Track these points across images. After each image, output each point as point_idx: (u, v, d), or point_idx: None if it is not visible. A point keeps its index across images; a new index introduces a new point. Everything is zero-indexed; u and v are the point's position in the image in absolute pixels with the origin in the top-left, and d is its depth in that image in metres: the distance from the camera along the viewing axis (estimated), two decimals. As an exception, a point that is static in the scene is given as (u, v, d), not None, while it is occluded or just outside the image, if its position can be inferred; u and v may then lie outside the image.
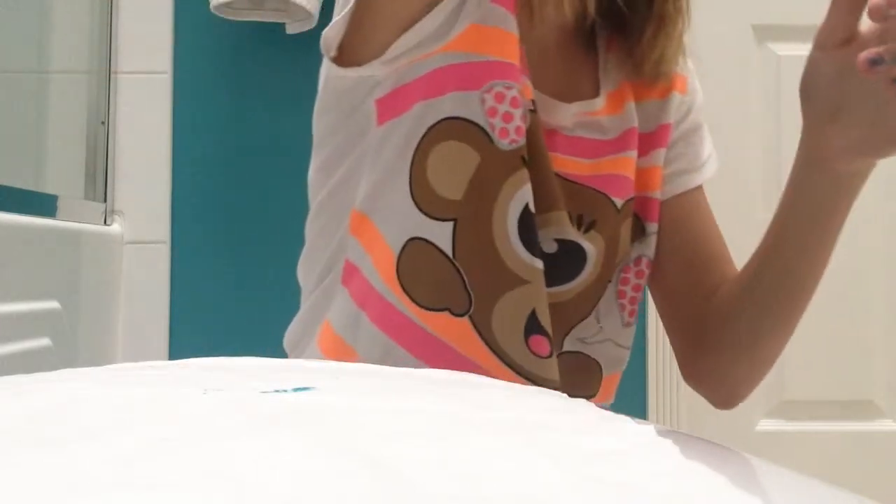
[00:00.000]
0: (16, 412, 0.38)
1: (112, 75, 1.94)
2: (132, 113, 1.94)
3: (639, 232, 0.92)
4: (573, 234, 0.85)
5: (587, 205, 0.86)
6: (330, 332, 0.85)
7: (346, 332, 0.83)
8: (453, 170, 0.80)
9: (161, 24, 1.95)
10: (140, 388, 0.45)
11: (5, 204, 1.40)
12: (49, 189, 1.77)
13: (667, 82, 0.91)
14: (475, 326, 0.81)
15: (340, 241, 0.85)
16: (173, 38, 1.96)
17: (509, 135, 0.80)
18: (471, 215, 0.80)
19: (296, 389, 0.42)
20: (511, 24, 0.81)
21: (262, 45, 1.96)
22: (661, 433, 0.43)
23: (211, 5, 1.86)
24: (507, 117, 0.79)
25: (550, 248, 0.84)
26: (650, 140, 0.91)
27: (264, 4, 1.89)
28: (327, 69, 0.85)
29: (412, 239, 0.80)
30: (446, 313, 0.80)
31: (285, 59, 1.95)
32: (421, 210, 0.80)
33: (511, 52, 0.81)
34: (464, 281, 0.80)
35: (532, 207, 0.80)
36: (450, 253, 0.80)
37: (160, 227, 1.93)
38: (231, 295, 1.94)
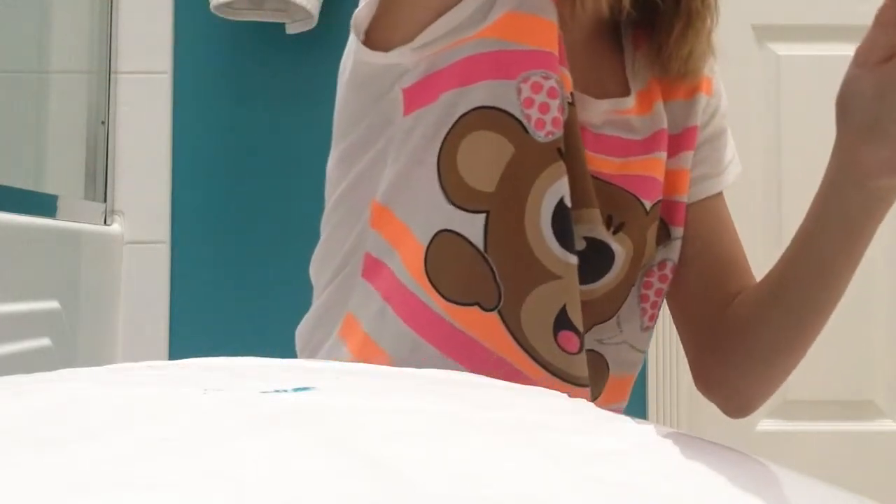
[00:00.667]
0: (16, 412, 0.38)
1: (112, 75, 1.94)
2: (132, 113, 1.94)
3: (664, 236, 0.90)
4: (603, 233, 0.83)
5: (617, 205, 0.85)
6: (357, 330, 0.83)
7: (373, 330, 0.81)
8: (485, 161, 0.78)
9: (161, 24, 1.95)
10: (140, 388, 0.45)
11: (5, 204, 1.40)
12: (49, 189, 1.77)
13: (694, 81, 0.90)
14: (504, 321, 0.79)
15: (360, 234, 0.83)
16: (173, 38, 1.96)
17: (546, 126, 0.77)
18: (504, 207, 0.78)
19: (296, 389, 0.42)
20: (550, 13, 0.79)
21: (262, 45, 1.96)
22: (661, 433, 0.43)
23: (211, 5, 1.86)
24: (544, 108, 0.77)
25: (580, 245, 0.82)
26: (677, 142, 0.90)
27: (264, 4, 1.89)
28: (355, 54, 0.82)
29: (441, 231, 0.78)
30: (475, 308, 0.79)
31: (285, 59, 1.95)
32: (451, 202, 0.78)
33: (549, 40, 0.79)
34: (494, 275, 0.78)
35: (568, 202, 0.78)
36: (481, 246, 0.78)
37: (160, 227, 1.93)
38: (231, 295, 1.94)
